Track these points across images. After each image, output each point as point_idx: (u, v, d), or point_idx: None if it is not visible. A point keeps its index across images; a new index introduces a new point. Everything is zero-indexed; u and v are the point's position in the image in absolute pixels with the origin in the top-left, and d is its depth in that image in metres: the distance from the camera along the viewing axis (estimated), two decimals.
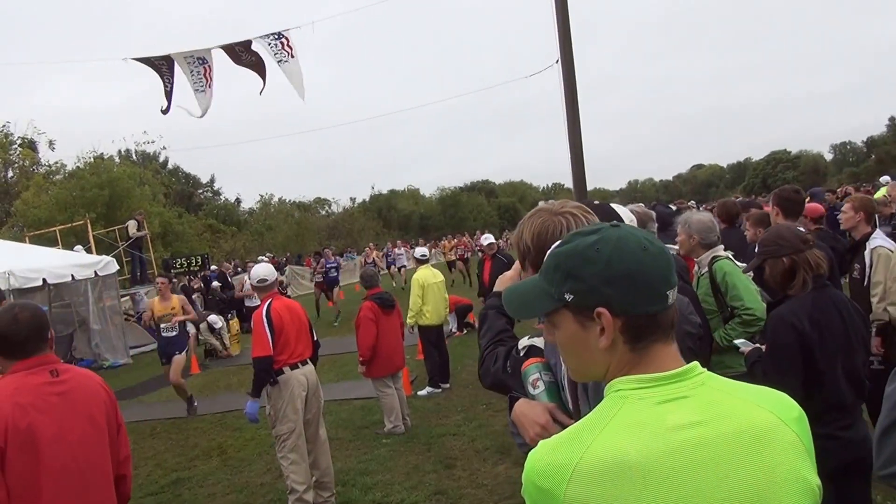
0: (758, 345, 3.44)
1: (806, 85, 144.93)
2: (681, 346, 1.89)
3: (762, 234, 5.55)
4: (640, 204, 4.07)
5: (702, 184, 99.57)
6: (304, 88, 12.34)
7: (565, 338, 1.20)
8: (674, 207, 10.80)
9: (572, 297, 1.14)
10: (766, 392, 1.16)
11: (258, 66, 12.56)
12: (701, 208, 13.67)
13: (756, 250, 3.20)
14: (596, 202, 2.02)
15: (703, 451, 1.03)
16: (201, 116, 12.61)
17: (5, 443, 2.33)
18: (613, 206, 2.01)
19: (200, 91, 12.46)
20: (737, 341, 3.66)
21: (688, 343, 1.94)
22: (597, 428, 1.06)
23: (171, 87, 12.75)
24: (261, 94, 12.82)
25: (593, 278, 1.12)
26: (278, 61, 12.44)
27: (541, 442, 1.12)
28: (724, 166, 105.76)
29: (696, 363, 1.15)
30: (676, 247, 4.27)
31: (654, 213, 3.89)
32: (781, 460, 1.06)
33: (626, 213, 1.99)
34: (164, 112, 12.89)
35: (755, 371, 3.14)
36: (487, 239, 10.23)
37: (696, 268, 4.26)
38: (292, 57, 12.40)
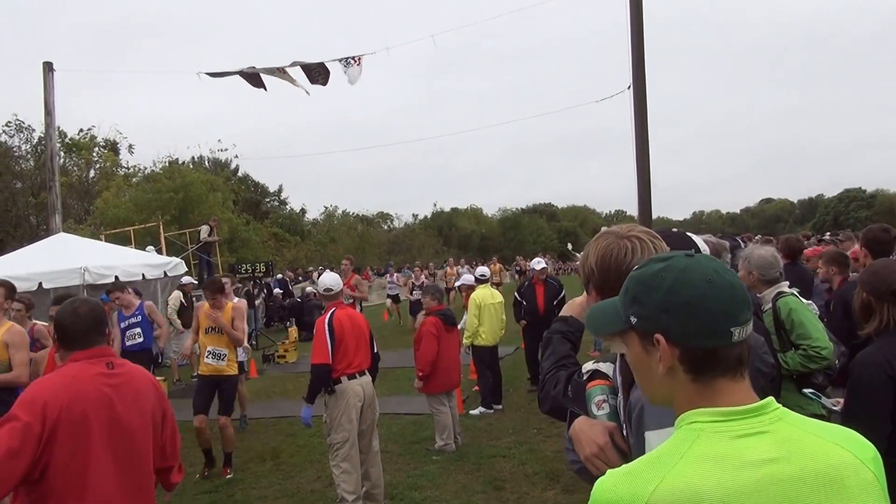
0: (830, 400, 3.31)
1: (886, 123, 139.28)
2: (753, 385, 1.84)
3: (835, 271, 5.39)
4: (710, 235, 3.99)
5: (770, 218, 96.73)
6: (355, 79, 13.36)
7: (632, 359, 1.24)
8: (740, 241, 10.52)
9: (636, 320, 1.17)
10: (842, 430, 1.14)
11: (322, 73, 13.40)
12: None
13: (860, 277, 3.07)
14: (674, 230, 1.99)
15: (780, 488, 1.02)
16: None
17: (55, 426, 2.45)
18: (690, 235, 1.97)
19: (282, 72, 13.22)
20: (805, 391, 3.51)
21: (760, 382, 1.87)
22: (671, 459, 1.05)
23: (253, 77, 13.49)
24: (308, 93, 13.74)
25: (653, 305, 1.14)
26: (348, 78, 13.14)
27: (610, 472, 1.11)
28: (795, 202, 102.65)
29: (771, 398, 1.14)
30: None
31: (727, 244, 3.81)
32: (860, 501, 1.05)
33: (702, 244, 1.95)
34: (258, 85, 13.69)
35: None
36: (539, 263, 10.15)
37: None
38: (358, 65, 13.14)
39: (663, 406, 1.27)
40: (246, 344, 8.22)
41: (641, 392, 1.28)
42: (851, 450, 1.10)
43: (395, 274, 21.82)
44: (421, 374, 7.14)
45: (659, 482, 1.02)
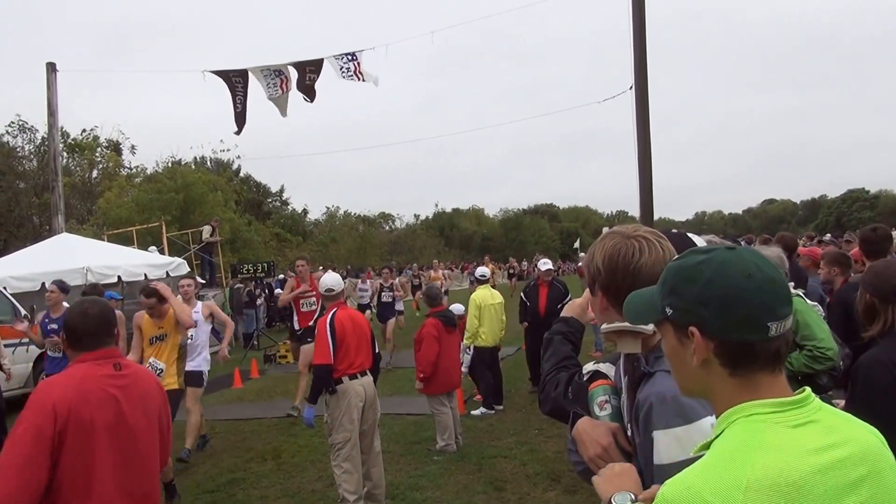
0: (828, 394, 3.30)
1: (889, 124, 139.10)
2: None
3: (838, 273, 5.38)
4: (713, 235, 3.98)
5: (772, 219, 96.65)
6: (376, 78, 13.24)
7: (667, 349, 1.24)
8: (742, 242, 10.51)
9: (671, 312, 1.18)
10: (858, 420, 1.20)
11: (310, 90, 13.34)
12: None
13: (863, 279, 3.07)
14: (673, 230, 1.99)
15: (838, 472, 1.05)
16: (284, 115, 13.39)
17: (66, 426, 2.47)
18: (691, 235, 1.97)
19: (275, 96, 13.13)
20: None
21: None
22: (751, 447, 1.06)
23: (244, 107, 13.47)
24: (312, 101, 13.64)
25: (690, 297, 1.15)
26: (343, 71, 13.09)
27: (684, 472, 1.09)
28: (797, 202, 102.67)
29: (809, 390, 1.16)
30: None
31: (731, 244, 3.81)
32: (890, 480, 1.11)
33: (700, 242, 1.95)
34: (237, 133, 13.75)
35: None
36: (546, 264, 9.88)
37: None
38: (362, 81, 13.05)
39: (697, 398, 1.29)
40: (206, 355, 7.55)
41: (676, 384, 1.27)
42: (876, 435, 1.17)
43: (369, 280, 16.82)
44: (422, 375, 7.14)
45: (750, 469, 1.02)
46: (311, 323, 9.01)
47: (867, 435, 1.15)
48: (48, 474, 2.43)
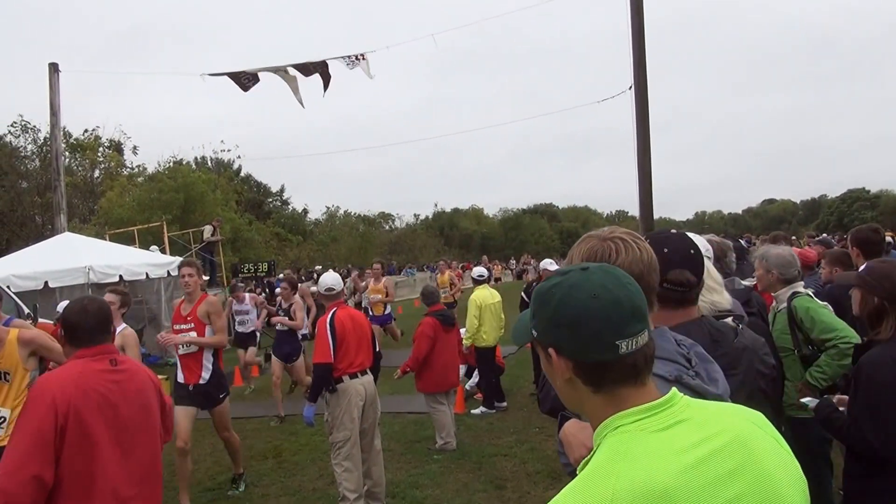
0: (827, 396, 3.27)
1: (889, 123, 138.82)
2: (752, 386, 1.85)
3: (839, 273, 5.38)
4: (713, 235, 3.97)
5: (773, 219, 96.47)
6: (371, 73, 13.23)
7: (543, 368, 1.27)
8: (743, 242, 10.52)
9: (536, 334, 1.22)
10: (738, 406, 1.24)
11: (324, 74, 13.33)
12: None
13: (858, 273, 3.06)
14: (673, 231, 2.00)
15: (710, 465, 1.07)
16: (299, 99, 13.32)
17: (66, 420, 2.52)
18: (690, 235, 1.99)
19: (283, 71, 13.16)
20: (803, 400, 3.44)
21: (760, 384, 1.89)
22: (614, 462, 1.08)
23: (256, 77, 13.44)
24: (324, 95, 13.65)
25: (545, 320, 1.19)
26: (347, 64, 13.11)
27: (560, 493, 1.11)
28: (798, 202, 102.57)
29: (675, 391, 1.19)
30: (747, 282, 4.14)
31: (731, 244, 3.80)
32: (767, 461, 1.13)
33: (702, 242, 1.97)
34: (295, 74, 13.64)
35: (834, 422, 2.90)
36: (552, 264, 9.81)
37: (773, 304, 4.12)
38: (364, 59, 13.04)
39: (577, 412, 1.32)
40: None
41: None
42: (754, 421, 1.20)
43: (246, 295, 11.63)
44: (407, 368, 7.20)
45: (613, 485, 1.04)
46: (201, 379, 5.85)
47: (741, 423, 1.17)
48: (52, 469, 2.46)
